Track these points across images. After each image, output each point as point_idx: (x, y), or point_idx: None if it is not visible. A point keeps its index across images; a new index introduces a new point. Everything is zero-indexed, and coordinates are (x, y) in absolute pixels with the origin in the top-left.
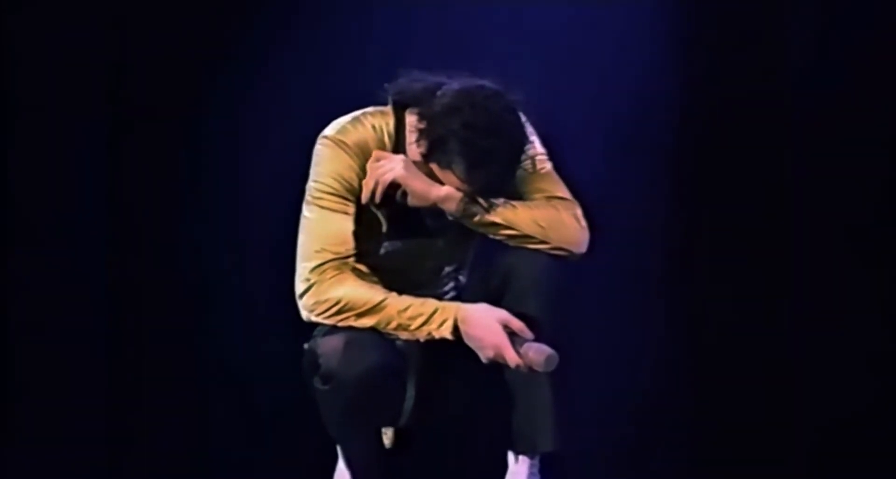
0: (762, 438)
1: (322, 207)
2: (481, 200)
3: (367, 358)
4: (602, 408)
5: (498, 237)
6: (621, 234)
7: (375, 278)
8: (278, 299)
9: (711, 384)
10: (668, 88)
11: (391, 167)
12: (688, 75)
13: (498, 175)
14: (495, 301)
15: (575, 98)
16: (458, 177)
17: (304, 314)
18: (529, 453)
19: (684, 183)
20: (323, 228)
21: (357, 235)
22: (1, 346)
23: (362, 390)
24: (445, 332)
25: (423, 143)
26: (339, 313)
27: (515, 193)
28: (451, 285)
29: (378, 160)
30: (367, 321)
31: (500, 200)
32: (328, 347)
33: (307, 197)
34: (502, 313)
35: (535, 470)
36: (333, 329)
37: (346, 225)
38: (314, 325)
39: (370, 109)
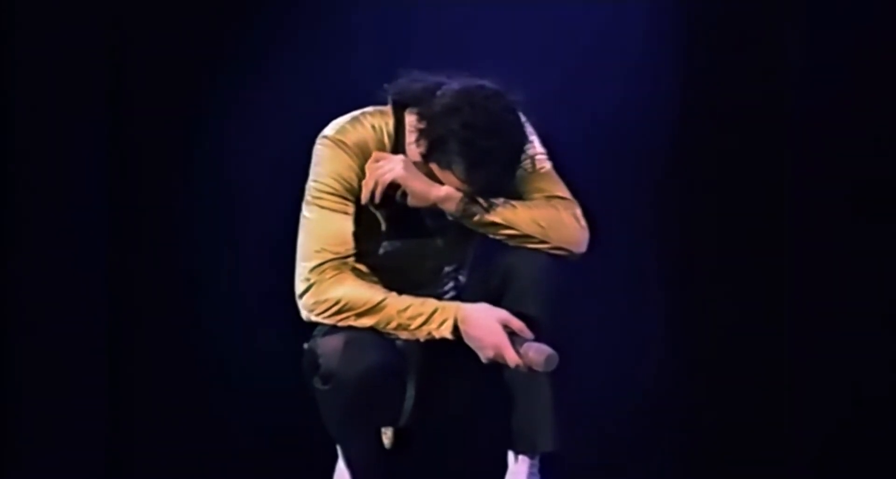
0: (761, 438)
1: (322, 207)
2: (481, 200)
3: (367, 358)
4: (602, 408)
5: (498, 237)
6: (621, 234)
7: (375, 278)
8: (278, 299)
9: (711, 384)
10: (668, 88)
11: (391, 168)
12: (687, 75)
13: (497, 175)
14: (495, 301)
15: (575, 98)
16: (457, 177)
17: (304, 314)
18: (529, 452)
19: (684, 183)
20: (323, 228)
21: (357, 234)
22: (1, 346)
23: (362, 389)
24: (445, 332)
25: (423, 143)
26: (338, 312)
27: (515, 192)
28: (451, 284)
29: (377, 161)
30: (366, 321)
31: (500, 200)
32: (328, 347)
33: (307, 197)
34: (502, 313)
35: (535, 470)
36: (333, 329)
37: (346, 225)
38: (314, 325)
39: (370, 108)
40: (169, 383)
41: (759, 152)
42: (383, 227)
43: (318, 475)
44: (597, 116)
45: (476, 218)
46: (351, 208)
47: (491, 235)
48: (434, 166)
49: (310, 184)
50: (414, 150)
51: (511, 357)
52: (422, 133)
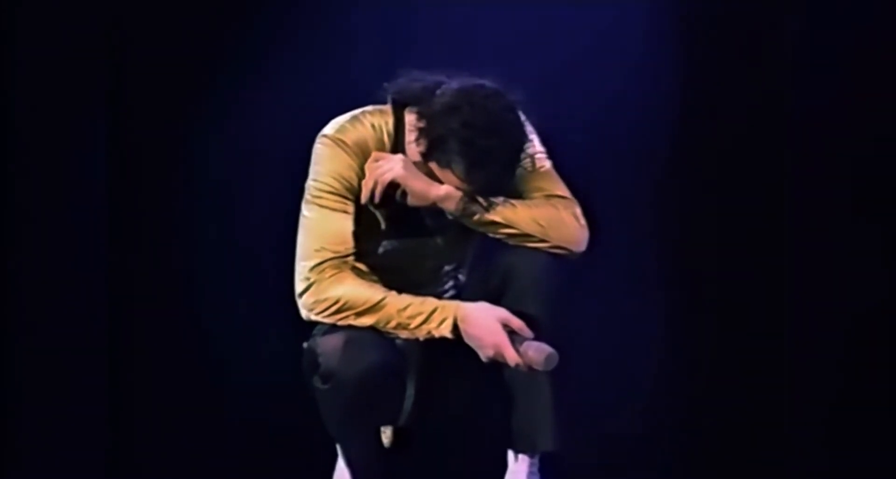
0: (761, 438)
1: (321, 206)
2: (481, 200)
3: (367, 357)
4: (602, 408)
5: (497, 236)
6: (621, 234)
7: (375, 277)
8: (278, 298)
9: (711, 384)
10: (668, 88)
11: (390, 167)
12: (687, 75)
13: (497, 174)
14: (495, 300)
15: (574, 97)
16: (457, 176)
17: (304, 313)
18: (529, 452)
19: (684, 182)
20: (322, 227)
21: (356, 234)
22: (1, 346)
23: (362, 389)
24: (445, 331)
25: (423, 142)
26: (338, 311)
27: (515, 191)
28: (451, 283)
29: (377, 160)
30: (366, 320)
31: (500, 199)
32: (328, 346)
33: (306, 196)
34: (502, 312)
35: (535, 469)
36: (333, 328)
37: (346, 224)
38: (314, 324)
39: (369, 107)
40: (169, 383)
41: (759, 152)
42: (383, 226)
43: (318, 475)
44: (597, 115)
45: (476, 217)
46: (351, 207)
47: (491, 235)
48: (434, 166)
49: (309, 183)
50: (413, 149)
51: (511, 356)
52: (421, 132)
